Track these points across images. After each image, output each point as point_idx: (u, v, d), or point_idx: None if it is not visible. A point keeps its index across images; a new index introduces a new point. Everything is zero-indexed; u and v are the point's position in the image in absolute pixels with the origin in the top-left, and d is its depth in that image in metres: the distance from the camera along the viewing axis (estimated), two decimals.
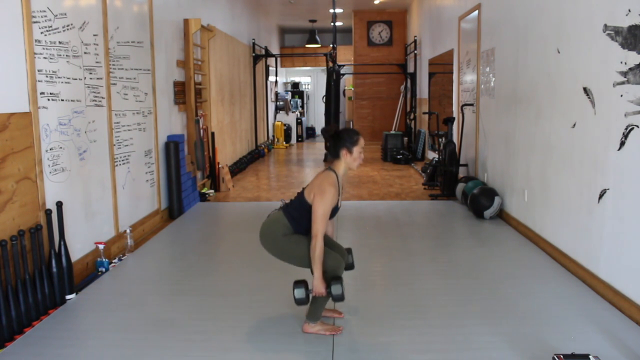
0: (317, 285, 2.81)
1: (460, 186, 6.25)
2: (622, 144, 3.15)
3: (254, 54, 11.37)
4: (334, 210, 2.93)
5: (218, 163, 7.54)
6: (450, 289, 3.61)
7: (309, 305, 2.96)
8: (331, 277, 2.85)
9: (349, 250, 3.21)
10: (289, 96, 15.14)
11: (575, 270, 3.80)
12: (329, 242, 3.04)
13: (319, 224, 2.79)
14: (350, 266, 3.18)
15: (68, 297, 3.48)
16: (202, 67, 7.28)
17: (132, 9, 4.93)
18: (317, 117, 17.75)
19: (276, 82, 14.85)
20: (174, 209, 5.83)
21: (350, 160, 2.92)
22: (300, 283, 2.86)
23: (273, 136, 13.92)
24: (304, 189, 2.97)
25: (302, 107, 16.18)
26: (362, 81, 13.57)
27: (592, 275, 3.55)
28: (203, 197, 6.75)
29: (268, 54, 12.44)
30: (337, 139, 2.93)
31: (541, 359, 2.64)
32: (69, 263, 3.50)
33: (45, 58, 3.51)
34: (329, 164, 3.00)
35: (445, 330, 2.99)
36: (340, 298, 2.83)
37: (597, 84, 3.46)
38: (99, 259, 4.07)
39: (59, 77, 3.66)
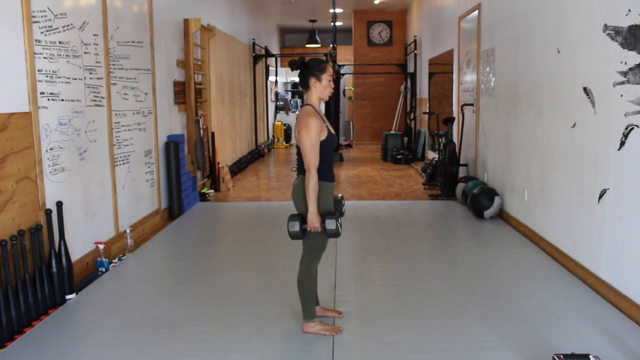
0: (312, 219, 2.77)
1: (460, 186, 6.25)
2: (622, 143, 3.15)
3: (254, 54, 11.36)
4: (330, 141, 2.85)
5: (218, 163, 7.54)
6: (450, 289, 3.61)
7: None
8: (325, 212, 2.82)
9: (342, 197, 3.11)
10: (289, 96, 15.13)
11: (575, 270, 3.80)
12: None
13: (309, 156, 2.75)
14: (340, 213, 3.05)
15: (68, 297, 3.48)
16: (202, 67, 7.28)
17: (132, 9, 4.93)
18: None
19: (276, 82, 14.85)
20: (174, 209, 5.83)
21: (320, 89, 2.88)
22: (295, 217, 2.82)
23: (273, 136, 13.91)
24: (296, 143, 2.90)
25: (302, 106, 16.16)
26: (362, 81, 13.57)
27: (592, 275, 3.55)
28: (203, 197, 6.75)
29: (268, 54, 12.44)
30: (304, 68, 2.90)
31: (541, 359, 2.64)
32: (69, 263, 3.50)
33: (45, 58, 3.51)
34: (304, 101, 2.94)
35: (445, 330, 2.99)
36: (334, 233, 2.79)
37: (597, 84, 3.46)
38: (99, 259, 4.07)
39: (59, 77, 3.66)
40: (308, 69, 2.89)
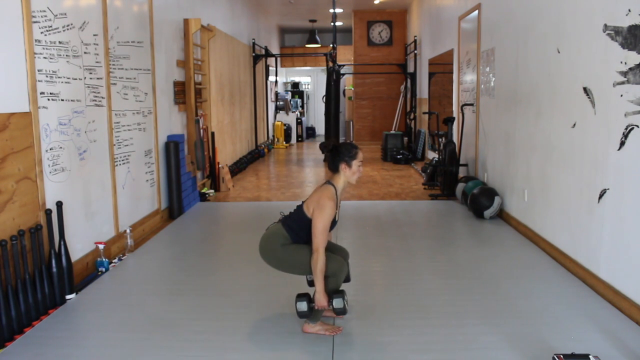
0: (320, 298, 2.84)
1: (460, 186, 6.25)
2: (622, 143, 3.15)
3: (254, 54, 11.37)
4: (332, 224, 2.95)
5: (218, 163, 7.54)
6: (450, 289, 3.61)
7: None
8: (333, 291, 2.88)
9: (346, 254, 3.18)
10: (289, 96, 15.14)
11: (575, 270, 3.80)
12: (330, 247, 3.05)
13: (319, 238, 2.81)
14: (346, 278, 3.09)
15: (68, 297, 3.48)
16: (202, 67, 7.28)
17: (132, 9, 4.93)
18: (317, 117, 17.74)
19: (276, 82, 14.85)
20: (174, 209, 5.83)
21: (349, 174, 2.94)
22: (303, 296, 2.89)
23: (273, 136, 13.92)
24: (303, 202, 2.99)
25: (302, 107, 16.18)
26: (362, 81, 13.57)
27: (592, 275, 3.55)
28: (203, 197, 6.75)
29: (268, 54, 12.44)
30: (335, 153, 2.94)
31: (541, 359, 2.64)
32: (69, 263, 3.50)
33: (45, 58, 3.51)
34: (328, 178, 3.01)
35: (445, 330, 2.99)
36: (342, 312, 2.87)
37: (597, 84, 3.46)
38: (99, 259, 4.07)
39: (59, 77, 3.66)
40: (339, 154, 2.93)
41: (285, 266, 2.98)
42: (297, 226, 2.93)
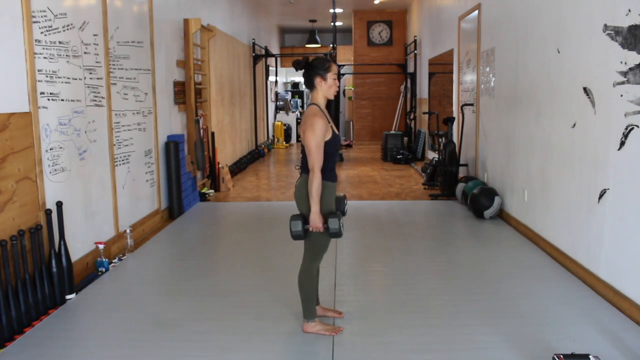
0: (315, 219, 2.77)
1: (460, 186, 6.25)
2: (622, 143, 3.15)
3: (254, 54, 11.36)
4: (334, 142, 2.85)
5: (218, 163, 7.54)
6: (450, 289, 3.61)
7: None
8: (328, 212, 2.81)
9: (344, 196, 3.08)
10: (289, 96, 15.13)
11: (575, 270, 3.80)
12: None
13: (314, 156, 2.74)
14: (342, 212, 3.02)
15: (68, 297, 3.48)
16: (202, 67, 7.27)
17: (132, 9, 4.93)
18: None
19: (276, 82, 14.85)
20: (174, 209, 5.83)
21: (325, 88, 2.88)
22: (298, 217, 2.82)
23: (273, 136, 13.91)
24: (301, 142, 2.89)
25: (302, 107, 16.18)
26: (362, 81, 13.56)
27: (592, 275, 3.55)
28: (203, 197, 6.75)
29: (268, 54, 12.44)
30: (309, 68, 2.89)
31: (541, 359, 2.64)
32: (69, 263, 3.50)
33: (45, 58, 3.51)
34: (310, 100, 2.93)
35: (445, 330, 2.99)
36: (337, 233, 2.78)
37: (597, 84, 3.46)
38: (99, 259, 4.07)
39: (59, 77, 3.66)
40: (313, 68, 2.88)
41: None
42: (308, 165, 2.81)
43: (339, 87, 2.98)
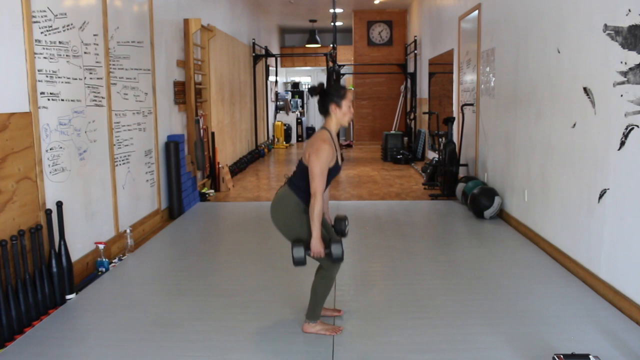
0: (315, 244, 2.75)
1: (460, 186, 6.25)
2: (622, 143, 3.15)
3: (254, 54, 11.36)
4: (335, 170, 2.87)
5: (218, 163, 7.54)
6: (450, 289, 3.61)
7: (308, 305, 2.96)
8: (330, 238, 2.80)
9: (345, 218, 3.09)
10: (289, 96, 15.13)
11: (575, 270, 3.80)
12: (324, 224, 2.99)
13: (317, 182, 2.74)
14: (343, 233, 3.06)
15: (68, 297, 3.48)
16: (202, 67, 7.28)
17: (132, 9, 4.93)
18: (317, 117, 17.70)
19: (276, 82, 14.85)
20: (174, 209, 5.83)
21: (340, 115, 2.87)
22: (300, 242, 2.79)
23: (273, 136, 13.91)
24: (301, 158, 2.90)
25: (302, 107, 16.17)
26: (362, 81, 13.57)
27: (592, 275, 3.55)
28: (203, 197, 6.75)
29: (268, 54, 12.44)
30: (324, 95, 2.88)
31: (541, 359, 2.64)
32: (69, 263, 3.50)
33: (45, 58, 3.51)
34: (323, 125, 2.93)
35: (445, 330, 2.99)
36: (340, 259, 2.77)
37: (597, 84, 3.46)
38: (99, 259, 4.07)
39: (59, 77, 3.66)
40: (328, 95, 2.87)
41: (291, 235, 2.87)
42: (303, 182, 2.82)
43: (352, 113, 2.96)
